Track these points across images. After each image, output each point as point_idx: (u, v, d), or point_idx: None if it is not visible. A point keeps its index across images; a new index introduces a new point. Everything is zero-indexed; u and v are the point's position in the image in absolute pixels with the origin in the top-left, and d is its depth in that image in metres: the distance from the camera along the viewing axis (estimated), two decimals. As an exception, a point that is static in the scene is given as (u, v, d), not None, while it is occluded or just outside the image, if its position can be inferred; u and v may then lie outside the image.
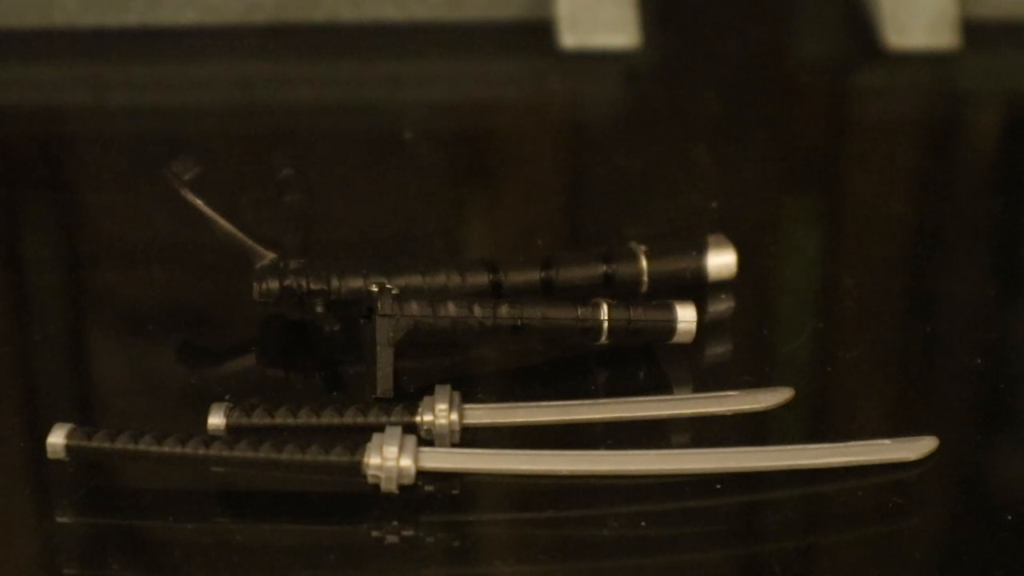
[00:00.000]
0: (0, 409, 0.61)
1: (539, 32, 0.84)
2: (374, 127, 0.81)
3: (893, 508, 0.56)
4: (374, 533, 0.55)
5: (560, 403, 0.59)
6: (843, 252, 0.72)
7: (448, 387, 0.58)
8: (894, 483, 0.57)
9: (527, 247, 0.70)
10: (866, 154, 0.80)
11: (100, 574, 0.54)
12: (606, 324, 0.61)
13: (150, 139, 0.79)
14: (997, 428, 0.61)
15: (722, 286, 0.65)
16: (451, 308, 0.60)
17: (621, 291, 0.63)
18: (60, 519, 0.56)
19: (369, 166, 0.77)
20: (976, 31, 0.85)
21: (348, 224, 0.72)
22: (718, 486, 0.56)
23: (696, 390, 0.61)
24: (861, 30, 0.86)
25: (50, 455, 0.55)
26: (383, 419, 0.57)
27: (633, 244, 0.65)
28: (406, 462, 0.55)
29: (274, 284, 0.62)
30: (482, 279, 0.63)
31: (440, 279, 0.62)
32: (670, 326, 0.61)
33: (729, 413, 0.59)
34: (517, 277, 0.63)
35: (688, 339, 0.62)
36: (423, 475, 0.55)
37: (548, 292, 0.63)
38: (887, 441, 0.57)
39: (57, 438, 0.55)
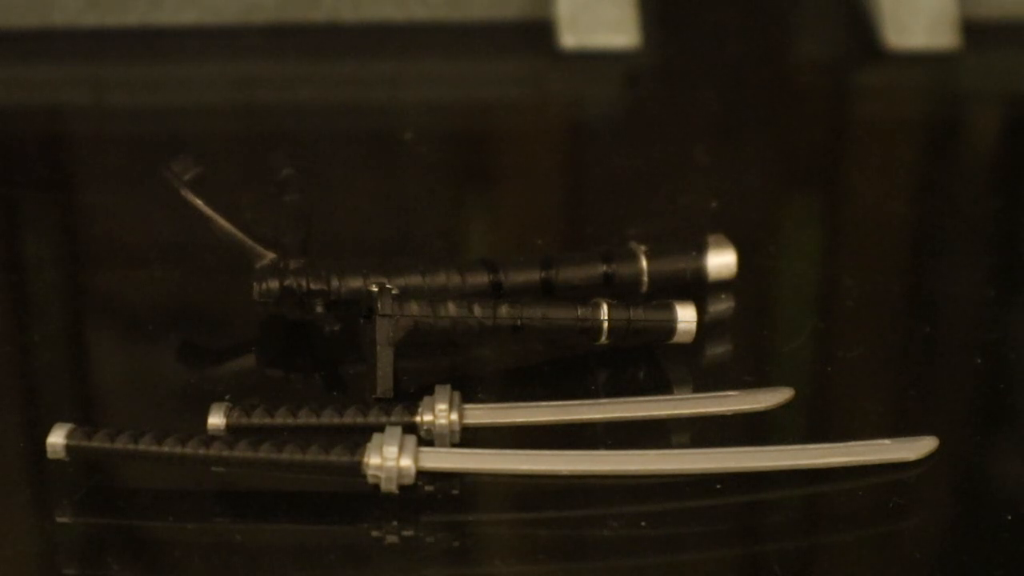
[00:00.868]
0: (0, 409, 0.61)
1: (539, 32, 0.85)
2: (374, 127, 0.81)
3: (893, 508, 0.56)
4: (374, 533, 0.55)
5: (560, 403, 0.59)
6: (843, 252, 0.72)
7: (448, 387, 0.58)
8: (894, 483, 0.57)
9: (527, 247, 0.70)
10: (866, 154, 0.80)
11: (100, 574, 0.54)
12: (606, 324, 0.61)
13: (150, 139, 0.79)
14: (997, 428, 0.61)
15: (722, 286, 0.66)
16: (451, 308, 0.60)
17: (621, 291, 0.63)
18: (60, 519, 0.56)
19: (369, 166, 0.77)
20: (976, 31, 0.85)
21: (348, 224, 0.72)
22: (718, 486, 0.56)
23: (696, 390, 0.61)
24: (861, 30, 0.86)
25: (50, 455, 0.55)
26: (383, 419, 0.57)
27: (633, 244, 0.65)
28: (406, 462, 0.55)
29: (274, 284, 0.62)
30: (482, 279, 0.63)
31: (440, 279, 0.62)
32: (670, 326, 0.61)
33: (729, 413, 0.59)
34: (517, 277, 0.63)
35: (688, 339, 0.62)
36: (423, 475, 0.55)
37: (548, 292, 0.63)
38: (887, 441, 0.57)
39: (57, 438, 0.55)
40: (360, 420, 0.57)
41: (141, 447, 0.55)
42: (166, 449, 0.55)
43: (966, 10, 0.85)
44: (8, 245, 0.71)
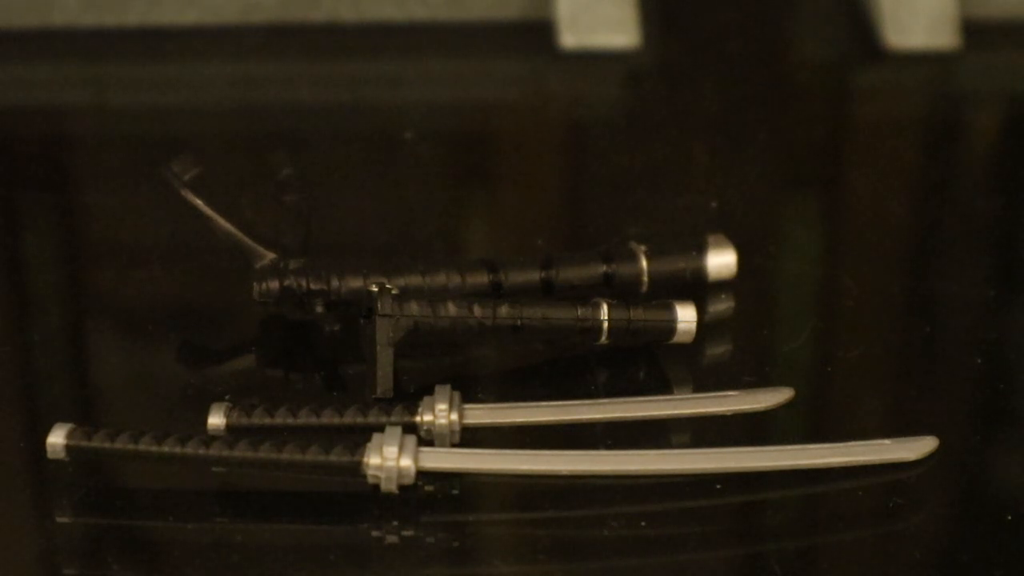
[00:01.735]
0: (0, 409, 0.61)
1: (539, 32, 0.85)
2: (374, 127, 0.81)
3: (893, 508, 0.56)
4: (374, 533, 0.55)
5: (560, 403, 0.59)
6: (843, 252, 0.72)
7: (448, 387, 0.58)
8: (894, 483, 0.57)
9: (527, 247, 0.70)
10: (866, 154, 0.80)
11: (100, 574, 0.54)
12: (606, 324, 0.61)
13: (150, 139, 0.79)
14: (997, 428, 0.61)
15: (722, 286, 0.66)
16: (451, 308, 0.60)
17: (621, 291, 0.63)
18: (60, 519, 0.56)
19: (369, 166, 0.77)
20: (976, 31, 0.85)
21: (348, 224, 0.72)
22: (718, 486, 0.56)
23: (696, 390, 0.61)
24: (861, 30, 0.86)
25: (50, 455, 0.55)
26: (383, 419, 0.57)
27: (633, 244, 0.65)
28: (406, 462, 0.55)
29: (274, 284, 0.62)
30: (482, 279, 0.63)
31: (440, 279, 0.62)
32: (670, 326, 0.61)
33: (729, 413, 0.59)
34: (517, 277, 0.63)
35: (688, 339, 0.62)
36: (423, 475, 0.55)
37: (548, 292, 0.63)
38: (887, 441, 0.57)
39: (57, 438, 0.55)
40: (360, 420, 0.57)
41: (141, 447, 0.55)
42: (166, 449, 0.55)
43: (966, 10, 0.85)
44: (8, 245, 0.71)
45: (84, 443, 0.55)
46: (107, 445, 0.55)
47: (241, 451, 0.55)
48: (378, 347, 0.59)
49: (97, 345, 0.66)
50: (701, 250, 0.65)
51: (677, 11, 0.88)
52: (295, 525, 0.55)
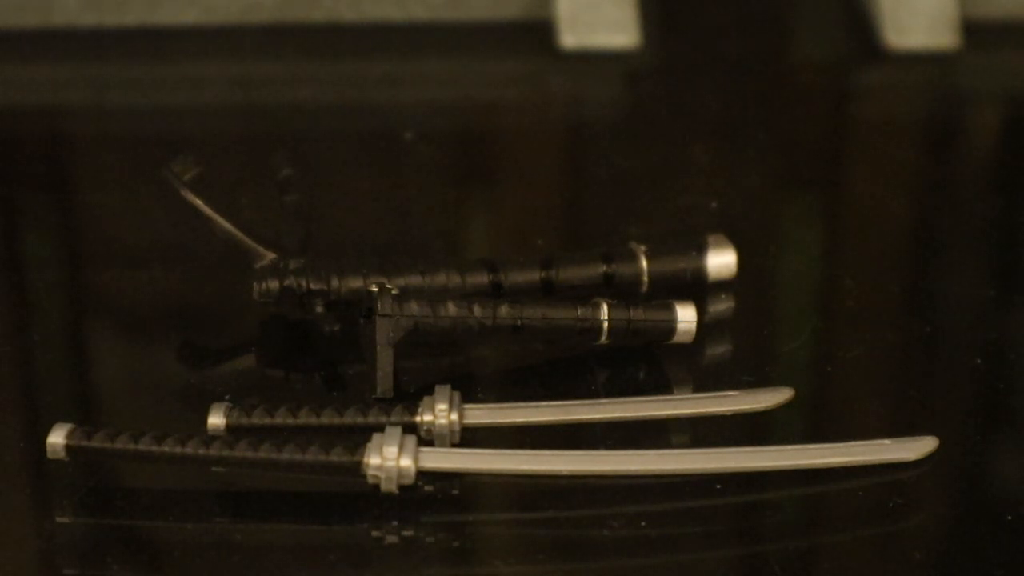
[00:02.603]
0: (0, 409, 0.61)
1: (539, 32, 0.85)
2: (374, 127, 0.81)
3: (893, 508, 0.56)
4: (374, 533, 0.55)
5: (560, 403, 0.59)
6: (843, 252, 0.72)
7: (448, 387, 0.58)
8: (894, 483, 0.57)
9: (527, 247, 0.70)
10: (866, 154, 0.80)
11: (100, 574, 0.54)
12: (606, 324, 0.61)
13: (150, 139, 0.79)
14: (997, 428, 0.61)
15: (722, 286, 0.66)
16: (451, 308, 0.60)
17: (621, 291, 0.63)
18: (60, 519, 0.55)
19: (369, 166, 0.77)
20: (976, 31, 0.85)
21: (348, 224, 0.72)
22: (718, 486, 0.56)
23: (696, 390, 0.61)
24: (861, 30, 0.86)
25: (50, 455, 0.55)
26: (383, 419, 0.57)
27: (633, 244, 0.65)
28: (406, 462, 0.55)
29: (274, 284, 0.62)
30: (482, 279, 0.63)
31: (440, 279, 0.62)
32: (670, 326, 0.61)
33: (729, 413, 0.59)
34: (517, 277, 0.63)
35: (688, 339, 0.62)
36: (423, 475, 0.55)
37: (548, 292, 0.63)
38: (887, 441, 0.57)
39: (57, 438, 0.55)
40: (360, 420, 0.57)
41: (141, 447, 0.55)
42: (166, 449, 0.55)
43: (966, 10, 0.85)
44: (8, 245, 0.71)
45: (84, 443, 0.55)
46: (107, 445, 0.55)
47: (241, 451, 0.55)
48: (378, 347, 0.59)
49: (97, 345, 0.66)
50: (701, 250, 0.65)
51: (677, 11, 0.88)
52: (295, 525, 0.55)
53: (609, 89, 0.84)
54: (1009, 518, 0.56)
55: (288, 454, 0.55)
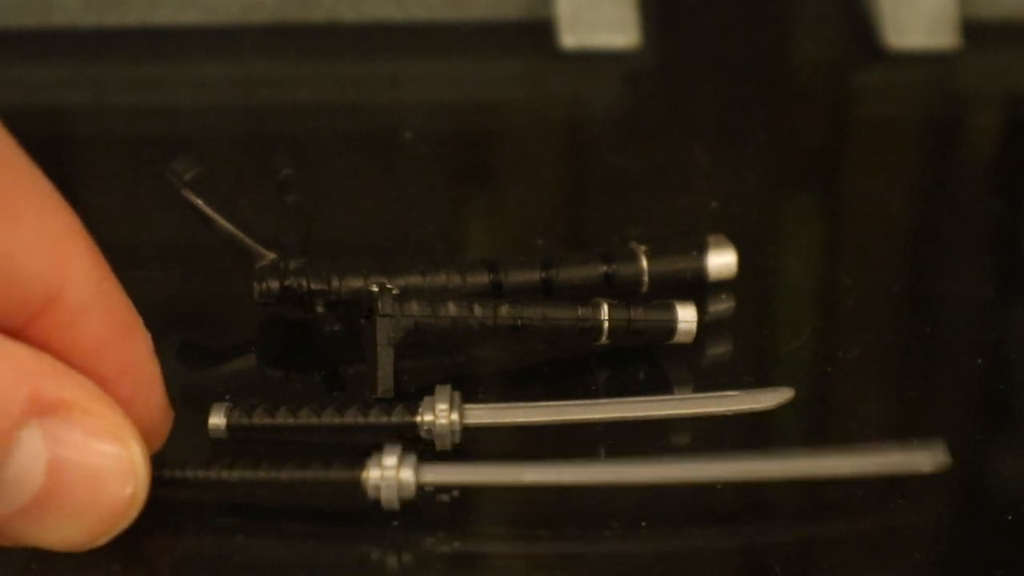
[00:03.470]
0: None
1: (539, 32, 0.84)
2: (374, 127, 0.81)
3: (893, 508, 0.56)
4: (376, 533, 0.55)
5: (560, 403, 0.59)
6: (843, 252, 0.72)
7: (448, 387, 0.58)
8: (894, 483, 0.57)
9: (527, 247, 0.70)
10: (866, 154, 0.80)
11: (100, 574, 0.54)
12: (606, 324, 0.61)
13: (150, 139, 0.79)
14: (997, 428, 0.61)
15: (722, 286, 0.65)
16: (451, 308, 0.60)
17: (621, 291, 0.63)
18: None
19: (369, 166, 0.77)
20: (976, 31, 0.85)
21: (348, 224, 0.72)
22: (718, 486, 0.56)
23: (696, 390, 0.61)
24: (861, 30, 0.86)
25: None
26: (383, 419, 0.57)
27: (633, 244, 0.65)
28: (406, 475, 0.54)
29: (274, 284, 0.62)
30: (482, 279, 0.63)
31: (440, 279, 0.62)
32: (670, 326, 0.61)
33: (729, 413, 0.59)
34: (517, 277, 0.63)
35: (688, 339, 0.62)
36: (424, 489, 0.55)
37: (548, 292, 0.63)
38: (897, 450, 0.56)
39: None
40: (361, 420, 0.57)
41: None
42: (165, 474, 0.54)
43: (966, 10, 0.85)
44: (8, 245, 0.71)
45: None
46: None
47: (240, 472, 0.54)
48: (378, 347, 0.59)
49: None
50: (701, 250, 0.65)
51: (677, 11, 0.88)
52: (295, 525, 0.55)
53: (609, 89, 0.84)
54: (1009, 518, 0.56)
55: (287, 473, 0.55)
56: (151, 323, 0.65)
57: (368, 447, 0.55)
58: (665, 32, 0.86)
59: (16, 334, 0.45)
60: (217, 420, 0.57)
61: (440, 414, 0.57)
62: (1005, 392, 0.62)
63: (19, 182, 0.45)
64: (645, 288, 0.64)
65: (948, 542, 0.56)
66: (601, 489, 0.56)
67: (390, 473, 0.54)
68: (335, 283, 0.62)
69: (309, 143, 0.78)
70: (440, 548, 0.54)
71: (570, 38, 0.83)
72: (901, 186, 0.77)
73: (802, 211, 0.76)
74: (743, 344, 0.64)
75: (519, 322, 0.60)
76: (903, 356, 0.65)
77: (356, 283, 0.62)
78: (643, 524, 0.55)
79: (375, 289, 0.60)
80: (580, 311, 0.61)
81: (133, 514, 0.49)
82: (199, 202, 0.63)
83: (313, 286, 0.62)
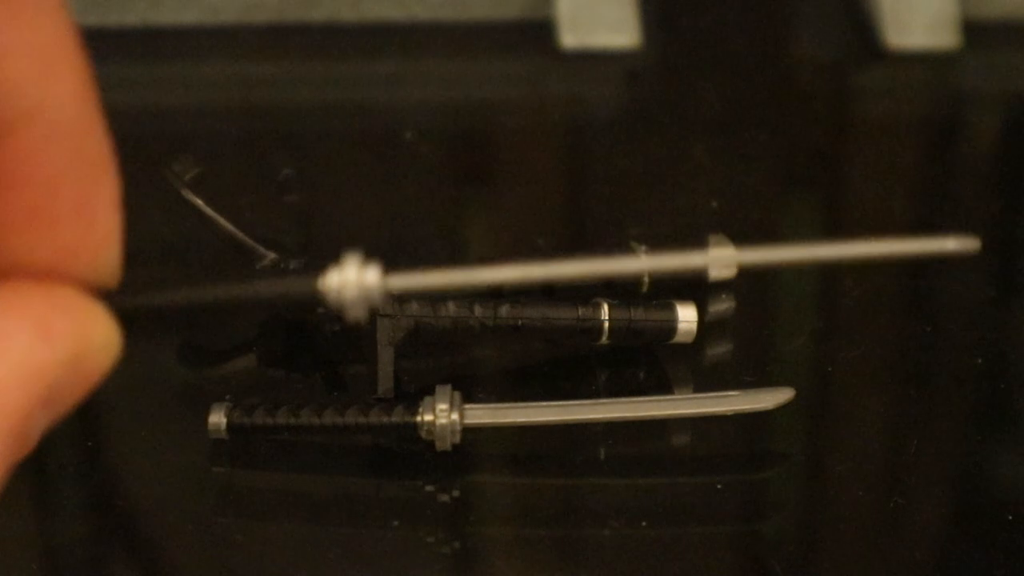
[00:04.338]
0: None
1: (539, 32, 0.85)
2: (374, 127, 0.81)
3: (894, 508, 0.56)
4: (377, 533, 0.55)
5: (560, 403, 0.59)
6: (843, 252, 0.72)
7: (448, 387, 0.58)
8: (895, 483, 0.57)
9: (527, 247, 0.70)
10: (866, 154, 0.80)
11: (100, 574, 0.54)
12: (606, 324, 0.61)
13: (150, 139, 0.79)
14: (997, 428, 0.61)
15: (722, 286, 0.65)
16: (451, 308, 0.60)
17: (621, 291, 0.63)
18: (60, 519, 0.55)
19: (369, 166, 0.77)
20: (976, 31, 0.85)
21: (348, 224, 0.72)
22: (719, 486, 0.56)
23: (697, 390, 0.61)
24: (861, 30, 0.86)
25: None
26: (383, 419, 0.57)
27: (633, 244, 0.65)
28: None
29: (274, 284, 0.62)
30: (482, 279, 0.63)
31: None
32: (670, 326, 0.61)
33: (729, 413, 0.59)
34: (517, 277, 0.63)
35: (689, 339, 0.62)
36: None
37: (548, 292, 0.63)
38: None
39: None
40: (361, 420, 0.57)
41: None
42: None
43: (966, 10, 0.85)
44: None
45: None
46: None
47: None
48: (379, 347, 0.59)
49: (97, 345, 0.65)
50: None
51: (677, 11, 0.88)
52: (296, 525, 0.55)
53: (609, 89, 0.84)
54: (1010, 518, 0.56)
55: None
56: (151, 323, 0.66)
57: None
58: (665, 32, 0.86)
59: None
60: (217, 420, 0.57)
61: (440, 414, 0.57)
62: (1005, 392, 0.62)
63: None
64: (645, 288, 0.64)
65: (948, 542, 0.56)
66: (602, 486, 0.56)
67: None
68: (335, 283, 0.62)
69: (309, 143, 0.78)
70: (439, 537, 0.54)
71: (570, 38, 0.84)
72: (901, 185, 0.77)
73: (802, 211, 0.76)
74: (743, 344, 0.64)
75: (519, 322, 0.60)
76: (903, 356, 0.65)
77: (356, 283, 0.62)
78: (643, 524, 0.55)
79: (375, 289, 0.60)
80: (580, 311, 0.61)
81: None
82: (199, 202, 0.63)
83: (313, 286, 0.62)
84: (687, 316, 0.61)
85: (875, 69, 0.86)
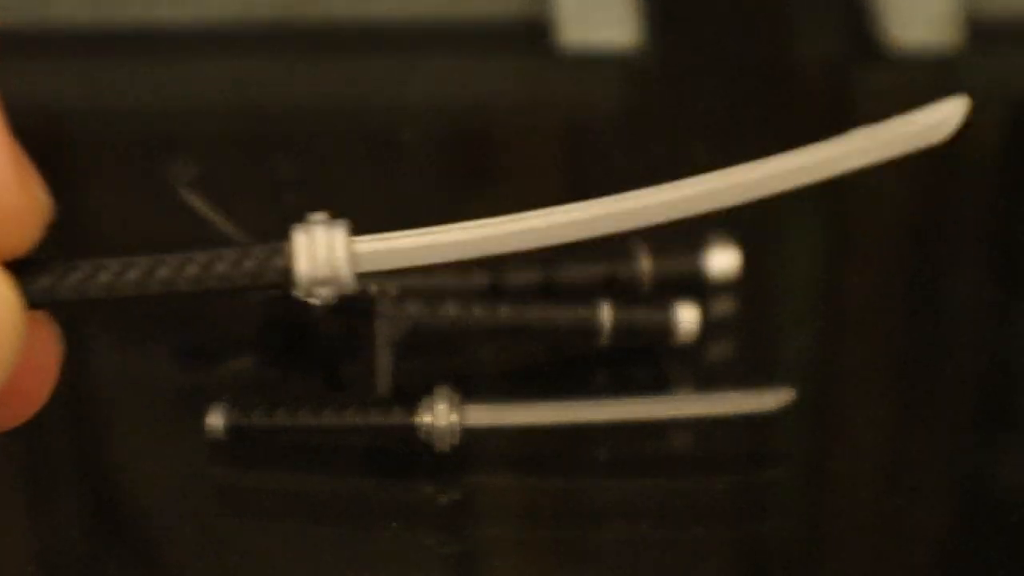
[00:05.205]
0: (-1, 410, 0.61)
1: (539, 30, 0.84)
2: (374, 127, 0.80)
3: (893, 508, 0.56)
4: (375, 535, 0.55)
5: (560, 403, 0.59)
6: (844, 252, 0.72)
7: (447, 388, 0.58)
8: (895, 483, 0.57)
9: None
10: (867, 153, 0.79)
11: (100, 574, 0.54)
12: (607, 325, 0.61)
13: (150, 139, 0.79)
14: (998, 428, 0.60)
15: (723, 286, 0.65)
16: (451, 308, 0.60)
17: (622, 291, 0.63)
18: (56, 520, 0.55)
19: (369, 166, 0.77)
20: (979, 30, 0.85)
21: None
22: (720, 487, 0.56)
23: (697, 390, 0.61)
24: (862, 29, 0.86)
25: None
26: (382, 419, 0.57)
27: (634, 244, 0.65)
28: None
29: (274, 284, 0.62)
30: (482, 279, 0.63)
31: (440, 279, 0.62)
32: (671, 326, 0.61)
33: (730, 413, 0.59)
34: (517, 277, 0.63)
35: (689, 340, 0.62)
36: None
37: (548, 292, 0.63)
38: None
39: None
40: (360, 421, 0.57)
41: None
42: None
43: (969, 9, 0.84)
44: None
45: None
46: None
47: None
48: (377, 347, 0.59)
49: (95, 345, 0.65)
50: (703, 250, 0.65)
51: (678, 9, 0.88)
52: (296, 525, 0.55)
53: (609, 88, 0.84)
54: (1012, 520, 0.56)
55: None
56: (150, 323, 0.66)
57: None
58: (665, 30, 0.86)
59: None
60: (215, 420, 0.57)
61: (439, 415, 0.57)
62: (1006, 392, 0.62)
63: None
64: (646, 288, 0.64)
65: (951, 544, 0.56)
66: (603, 486, 0.56)
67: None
68: (335, 283, 0.62)
69: (309, 143, 0.78)
70: (439, 537, 0.54)
71: (570, 36, 0.83)
72: (901, 186, 0.77)
73: (803, 211, 0.76)
74: (744, 345, 0.64)
75: (519, 322, 0.60)
76: (903, 356, 0.65)
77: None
78: (644, 525, 0.55)
79: (374, 289, 0.60)
80: (580, 311, 0.61)
81: None
82: (199, 202, 0.63)
83: (312, 286, 0.62)
84: (688, 317, 0.61)
85: (876, 68, 0.85)
